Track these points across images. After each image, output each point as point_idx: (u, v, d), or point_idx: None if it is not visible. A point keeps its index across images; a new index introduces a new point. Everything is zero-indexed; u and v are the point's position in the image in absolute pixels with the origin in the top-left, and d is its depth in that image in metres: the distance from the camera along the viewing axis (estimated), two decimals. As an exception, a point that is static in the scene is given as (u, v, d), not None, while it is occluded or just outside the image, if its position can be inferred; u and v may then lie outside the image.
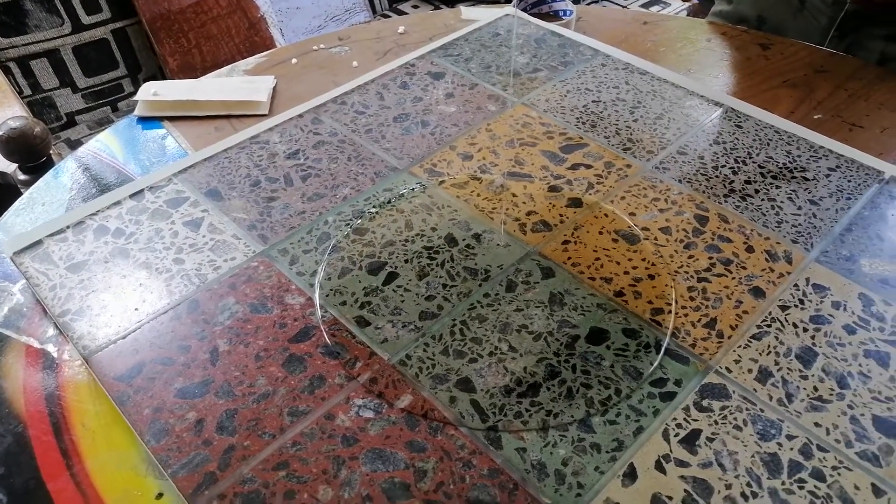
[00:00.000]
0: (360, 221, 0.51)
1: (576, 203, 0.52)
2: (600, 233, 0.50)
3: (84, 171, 0.58)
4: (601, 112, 0.62)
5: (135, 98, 0.66)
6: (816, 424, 0.38)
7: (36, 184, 0.58)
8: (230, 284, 0.47)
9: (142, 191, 0.54)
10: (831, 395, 0.40)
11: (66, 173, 0.58)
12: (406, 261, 0.48)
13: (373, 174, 0.55)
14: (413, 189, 0.53)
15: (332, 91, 0.65)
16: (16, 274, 0.48)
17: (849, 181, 0.54)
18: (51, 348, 0.44)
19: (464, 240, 0.49)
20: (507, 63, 0.68)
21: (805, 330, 0.43)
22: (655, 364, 0.41)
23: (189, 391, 0.40)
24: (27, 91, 1.16)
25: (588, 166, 0.56)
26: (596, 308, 0.45)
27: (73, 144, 1.18)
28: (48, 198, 0.55)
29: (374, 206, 0.52)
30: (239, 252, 0.49)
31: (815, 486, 0.36)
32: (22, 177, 0.86)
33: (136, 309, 0.45)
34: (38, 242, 0.50)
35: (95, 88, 1.23)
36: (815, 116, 0.63)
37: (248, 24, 1.31)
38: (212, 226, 0.51)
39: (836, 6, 0.76)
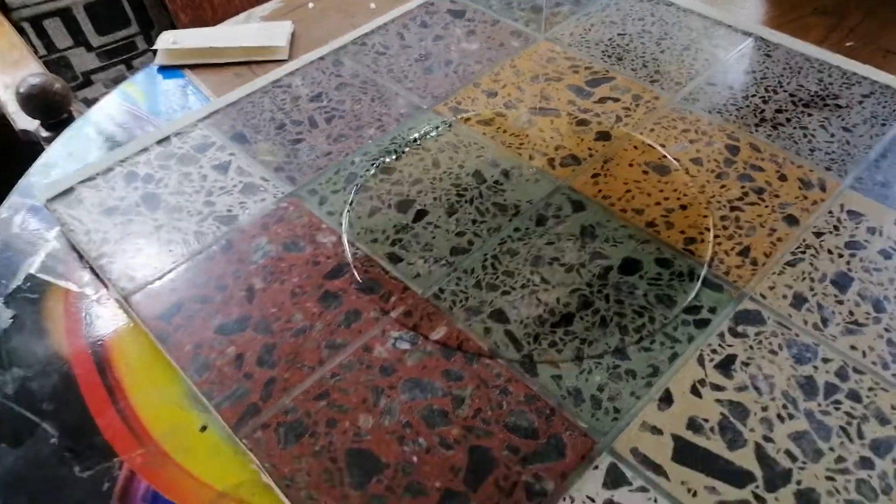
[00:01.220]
0: (386, 160, 0.51)
1: (604, 136, 0.52)
2: (630, 165, 0.49)
3: (109, 120, 0.58)
4: (627, 45, 0.60)
5: (154, 47, 0.65)
6: (853, 347, 0.38)
7: (62, 133, 0.58)
8: (262, 225, 0.47)
9: (168, 137, 0.54)
10: (867, 318, 0.40)
11: (91, 124, 0.58)
12: (435, 198, 0.48)
13: (397, 114, 0.55)
14: (438, 128, 0.53)
15: (352, 32, 0.64)
16: (50, 220, 0.49)
17: (883, 107, 0.53)
18: (89, 291, 0.45)
19: (492, 176, 0.49)
20: (529, -1, 0.67)
21: (840, 256, 0.43)
22: (693, 294, 0.41)
23: (228, 327, 0.41)
24: (42, 51, 1.16)
25: (615, 99, 0.55)
26: (628, 239, 0.44)
27: (91, 104, 1.18)
28: (75, 148, 0.56)
29: (399, 146, 0.52)
30: (268, 194, 0.49)
31: (852, 407, 0.36)
32: (45, 134, 0.86)
33: (170, 250, 0.46)
34: (70, 190, 0.50)
35: (109, 47, 1.22)
36: (847, 44, 0.61)
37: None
38: (240, 168, 0.51)
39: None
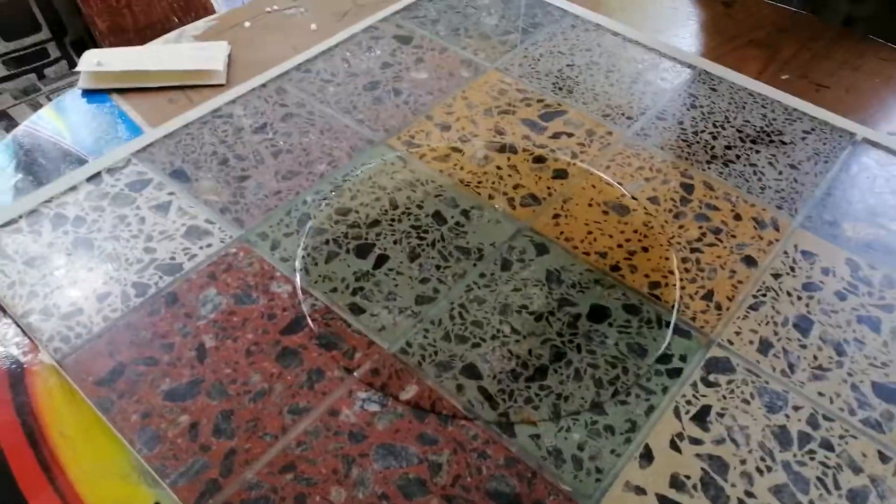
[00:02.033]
0: (341, 200, 0.48)
1: (561, 174, 0.51)
2: (589, 205, 0.49)
3: (28, 152, 0.53)
4: (576, 77, 0.60)
5: (76, 69, 0.60)
6: (820, 394, 0.39)
7: (-28, 167, 0.52)
8: (209, 274, 0.44)
9: (99, 174, 0.50)
10: (830, 362, 0.41)
11: (8, 156, 0.52)
12: (395, 241, 0.46)
13: (348, 148, 0.52)
14: (392, 164, 0.51)
15: (294, 58, 0.61)
16: (-37, 271, 0.44)
17: (824, 144, 0.55)
18: (15, 352, 0.41)
19: (452, 217, 0.48)
20: (476, 25, 0.65)
21: (799, 298, 0.44)
22: (665, 343, 0.41)
23: (178, 393, 0.38)
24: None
25: (570, 134, 0.54)
26: (594, 284, 0.44)
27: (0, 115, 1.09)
28: (-11, 183, 0.50)
29: (353, 184, 0.49)
30: (215, 238, 0.46)
31: (825, 457, 0.36)
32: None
33: (108, 304, 0.42)
34: (-14, 235, 0.45)
35: (17, 54, 1.13)
36: (783, 77, 0.63)
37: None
38: (181, 210, 0.47)
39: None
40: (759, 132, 0.55)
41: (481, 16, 0.67)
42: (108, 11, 1.18)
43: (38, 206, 0.47)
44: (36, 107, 1.12)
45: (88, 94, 0.59)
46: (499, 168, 0.51)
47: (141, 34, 1.25)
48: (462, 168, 0.51)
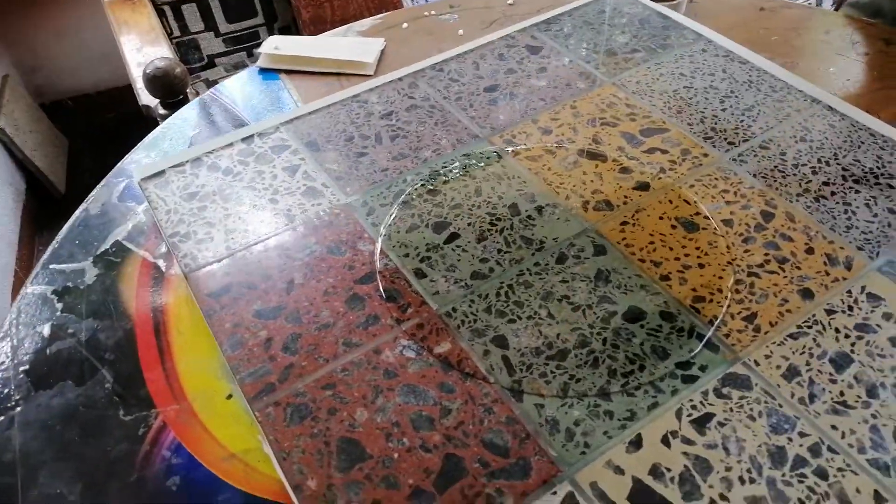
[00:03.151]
0: (434, 182, 0.55)
1: (643, 186, 0.54)
2: (660, 218, 0.51)
3: (207, 113, 0.66)
4: (690, 98, 0.62)
5: (258, 51, 0.73)
6: (833, 427, 0.39)
7: (165, 121, 0.66)
8: (314, 227, 0.53)
9: (252, 136, 0.61)
10: (857, 401, 0.40)
11: (192, 113, 0.66)
12: (469, 224, 0.52)
13: (455, 140, 0.59)
14: (488, 157, 0.57)
15: (433, 57, 0.69)
16: (141, 196, 0.57)
17: (939, 193, 0.52)
18: (161, 263, 0.52)
19: (526, 210, 0.53)
20: (606, 42, 0.69)
21: (847, 336, 0.43)
22: (694, 353, 0.43)
23: (264, 313, 0.47)
24: (176, 32, 1.29)
25: (664, 151, 0.57)
26: (639, 288, 0.47)
27: (211, 84, 1.30)
28: (175, 133, 0.64)
29: (449, 170, 0.56)
30: (325, 199, 0.55)
31: (816, 483, 0.37)
32: (162, 111, 0.97)
33: (232, 238, 0.52)
34: (162, 173, 0.58)
35: (235, 34, 1.34)
36: (926, 122, 0.60)
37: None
38: (306, 173, 0.57)
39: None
40: (866, 172, 0.54)
41: (614, 33, 0.70)
42: (312, 4, 1.35)
43: (201, 156, 0.59)
44: (243, 82, 1.32)
45: (264, 72, 0.72)
46: (584, 173, 0.55)
47: (337, 27, 1.42)
48: (549, 169, 0.56)
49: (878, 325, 0.44)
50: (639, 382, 0.42)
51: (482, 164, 0.57)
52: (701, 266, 0.48)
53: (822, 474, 0.37)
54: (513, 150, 0.58)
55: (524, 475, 0.38)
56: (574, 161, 0.56)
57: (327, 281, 0.49)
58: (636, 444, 0.39)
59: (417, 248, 0.50)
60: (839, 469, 0.37)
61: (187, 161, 0.59)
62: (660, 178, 0.54)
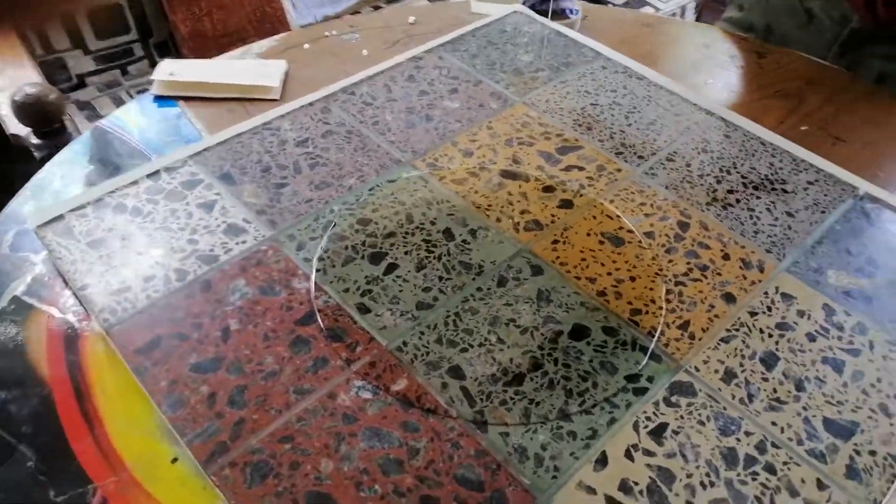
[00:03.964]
0: (363, 211, 0.54)
1: (567, 204, 0.56)
2: (588, 234, 0.53)
3: (100, 147, 0.61)
4: (598, 115, 0.65)
5: (151, 77, 0.68)
6: (773, 423, 0.42)
7: (54, 157, 0.61)
8: (241, 267, 0.50)
9: (158, 171, 0.57)
10: (788, 396, 0.44)
11: (84, 148, 0.60)
12: (406, 252, 0.51)
13: (377, 165, 0.58)
14: (414, 183, 0.57)
15: (342, 81, 0.67)
16: (37, 244, 0.52)
17: (825, 195, 0.58)
18: (71, 318, 0.48)
19: (460, 234, 0.53)
20: (512, 61, 0.71)
21: (770, 336, 0.47)
22: (641, 366, 0.45)
23: (203, 366, 0.44)
24: (40, 51, 1.18)
25: (581, 168, 0.59)
26: (579, 306, 0.48)
27: (83, 105, 1.20)
28: (66, 172, 0.58)
29: (377, 198, 0.55)
30: (249, 236, 0.52)
31: (767, 479, 0.40)
32: (35, 140, 0.88)
33: (152, 286, 0.48)
34: (60, 217, 0.53)
35: (107, 51, 1.24)
36: (802, 128, 0.66)
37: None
38: (224, 209, 0.54)
39: (842, 23, 0.78)
40: (763, 179, 0.59)
41: (518, 53, 0.72)
42: (191, 19, 1.29)
43: (104, 196, 0.55)
44: (116, 99, 1.23)
45: (159, 99, 0.67)
46: (510, 194, 0.56)
47: (218, 42, 1.35)
48: (476, 192, 0.56)
49: (794, 323, 0.48)
50: (594, 400, 0.43)
51: (409, 189, 0.56)
52: (632, 279, 0.50)
53: (770, 469, 0.40)
54: (438, 175, 0.58)
55: (500, 507, 0.38)
56: (498, 182, 0.57)
57: (265, 325, 0.46)
58: (602, 461, 0.40)
59: (357, 282, 0.49)
60: (784, 462, 0.41)
61: (88, 203, 0.54)
62: (581, 195, 0.56)
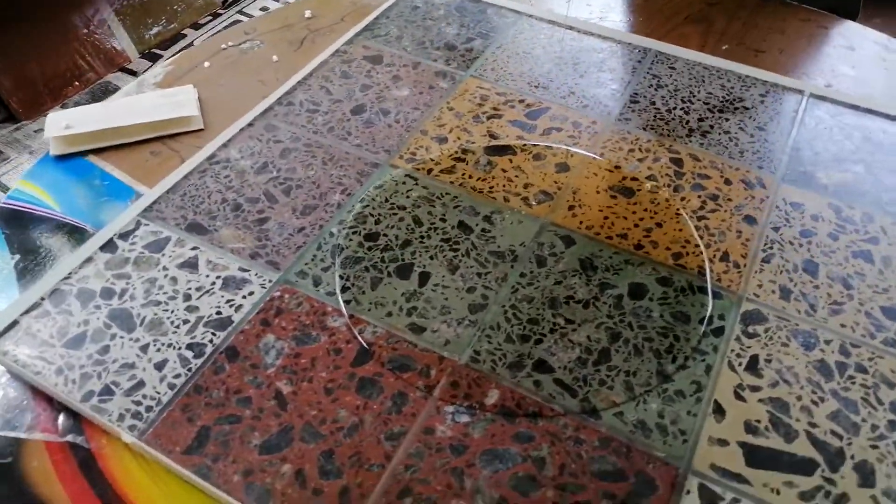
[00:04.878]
0: (366, 226, 0.49)
1: (563, 167, 0.54)
2: (598, 192, 0.52)
3: (17, 230, 0.51)
4: (548, 73, 0.63)
5: (44, 136, 0.57)
6: (842, 325, 0.44)
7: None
8: (261, 321, 0.44)
9: (111, 240, 0.48)
10: (842, 296, 0.46)
11: None
12: (431, 257, 0.47)
13: (356, 174, 0.53)
14: (404, 183, 0.52)
15: (273, 92, 0.61)
16: (-3, 365, 0.42)
17: (780, 104, 0.60)
18: (76, 438, 0.40)
19: (476, 224, 0.50)
20: (439, 36, 0.67)
21: (801, 245, 0.49)
22: (709, 307, 0.44)
23: (272, 444, 0.38)
24: None
25: (558, 129, 0.57)
26: (625, 265, 0.47)
27: None
28: (-9, 270, 0.48)
29: (373, 209, 0.50)
30: (254, 285, 0.46)
31: (863, 379, 0.41)
32: None
33: (169, 371, 0.41)
34: (14, 324, 0.44)
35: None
36: (724, 47, 0.69)
37: (84, 22, 1.17)
38: (210, 262, 0.47)
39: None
40: (722, 102, 0.60)
41: (441, 26, 0.69)
42: (12, 67, 1.12)
43: (59, 285, 0.46)
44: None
45: (62, 159, 0.57)
46: (504, 171, 0.54)
47: (50, 85, 1.19)
48: (470, 176, 0.53)
49: (813, 228, 0.50)
50: (685, 353, 0.42)
51: (401, 191, 0.52)
52: (659, 225, 0.50)
53: (861, 369, 0.42)
54: (424, 168, 0.54)
55: (652, 489, 0.37)
56: (487, 161, 0.54)
57: (320, 376, 0.41)
58: (718, 410, 0.40)
59: (395, 302, 0.45)
60: (868, 359, 0.42)
61: (42, 298, 0.45)
62: (572, 155, 0.55)
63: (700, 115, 0.59)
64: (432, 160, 0.54)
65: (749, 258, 0.48)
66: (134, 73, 1.48)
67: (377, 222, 0.50)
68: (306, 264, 0.47)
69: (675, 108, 0.60)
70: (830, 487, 0.37)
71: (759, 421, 0.39)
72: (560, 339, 0.43)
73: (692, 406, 0.40)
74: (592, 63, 0.64)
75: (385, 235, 0.49)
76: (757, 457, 0.38)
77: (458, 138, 0.56)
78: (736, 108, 0.60)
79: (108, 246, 0.48)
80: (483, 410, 0.40)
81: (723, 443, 0.38)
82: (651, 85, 0.62)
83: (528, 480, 0.37)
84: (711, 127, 0.58)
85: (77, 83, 1.26)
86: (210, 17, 1.76)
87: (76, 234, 0.50)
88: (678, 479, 0.37)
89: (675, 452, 0.38)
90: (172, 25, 1.57)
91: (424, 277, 0.46)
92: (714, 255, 0.48)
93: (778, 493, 0.36)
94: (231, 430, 0.39)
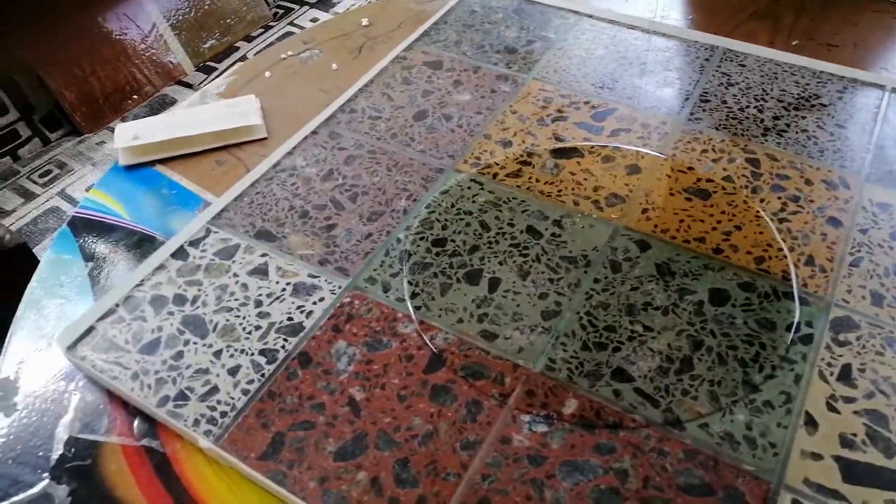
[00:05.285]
0: (433, 232, 0.49)
1: (634, 169, 0.52)
2: (671, 195, 0.50)
3: (91, 238, 0.51)
4: (612, 73, 0.62)
5: (114, 146, 0.59)
6: (940, 333, 0.41)
7: (37, 270, 0.51)
8: (333, 327, 0.43)
9: (182, 248, 0.49)
10: (940, 302, 0.43)
11: (70, 245, 0.51)
12: (500, 263, 0.46)
13: (421, 180, 0.53)
14: (469, 188, 0.52)
15: (332, 99, 0.61)
16: (68, 372, 0.43)
17: (860, 99, 0.58)
18: (151, 443, 0.40)
19: (546, 229, 0.48)
20: (499, 40, 0.66)
21: (891, 248, 0.46)
22: (797, 314, 0.42)
23: (347, 451, 0.38)
24: None
25: (626, 130, 0.56)
26: (704, 269, 0.45)
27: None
28: (64, 279, 0.49)
29: (439, 214, 0.50)
30: (324, 291, 0.45)
31: (969, 390, 0.39)
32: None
33: (243, 377, 0.41)
34: (91, 329, 0.44)
35: (-15, 140, 1.09)
36: (794, 43, 0.66)
37: (141, 37, 1.20)
38: (280, 269, 0.47)
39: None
40: (798, 99, 0.58)
41: (500, 30, 0.68)
42: (75, 83, 1.15)
43: (132, 291, 0.46)
44: (20, 191, 1.09)
45: (130, 169, 0.58)
46: (572, 174, 0.52)
47: (110, 100, 1.22)
48: (537, 180, 0.52)
49: (905, 229, 0.47)
50: (772, 362, 0.40)
51: (467, 196, 0.51)
52: (738, 228, 0.48)
53: (966, 379, 0.39)
54: (489, 173, 0.53)
55: (741, 503, 0.35)
56: (554, 165, 0.53)
57: (393, 383, 0.41)
58: (811, 423, 0.38)
59: (466, 308, 0.44)
60: (974, 368, 0.40)
61: (118, 305, 0.45)
62: (643, 157, 0.53)
63: (775, 113, 0.57)
64: (497, 164, 0.53)
65: (836, 262, 0.46)
66: (190, 86, 1.52)
67: (444, 228, 0.49)
68: (375, 270, 0.47)
69: (748, 107, 0.57)
70: (937, 506, 0.34)
71: (855, 434, 0.37)
72: (639, 348, 0.41)
73: (782, 418, 0.38)
74: (658, 62, 0.63)
75: (452, 241, 0.48)
76: (854, 472, 0.36)
77: (523, 142, 0.55)
78: (812, 106, 0.57)
79: (180, 253, 0.48)
80: (561, 420, 0.38)
81: (816, 457, 0.36)
82: (721, 83, 0.60)
83: (611, 493, 0.35)
84: (788, 125, 0.56)
85: (136, 97, 1.30)
86: (262, 30, 1.79)
87: (146, 243, 0.51)
88: (770, 494, 0.35)
89: (766, 466, 0.36)
90: (226, 38, 1.60)
91: (494, 283, 0.45)
92: (798, 260, 0.46)
93: (881, 510, 0.34)
94: (305, 437, 0.38)
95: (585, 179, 0.52)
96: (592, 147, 0.54)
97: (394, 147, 0.56)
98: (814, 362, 0.40)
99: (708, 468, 0.36)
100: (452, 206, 0.51)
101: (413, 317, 0.44)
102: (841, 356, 0.41)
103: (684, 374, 0.40)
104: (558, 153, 0.54)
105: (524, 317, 0.43)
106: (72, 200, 1.13)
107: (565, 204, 0.50)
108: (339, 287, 0.46)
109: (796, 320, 0.42)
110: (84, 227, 0.53)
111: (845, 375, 0.40)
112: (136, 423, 0.41)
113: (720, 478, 0.36)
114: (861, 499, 0.35)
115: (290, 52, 0.70)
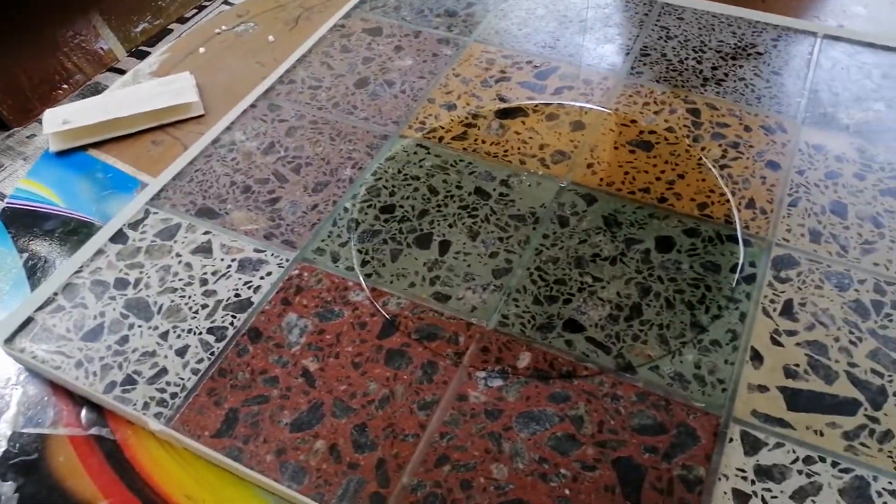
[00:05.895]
0: (380, 199, 0.48)
1: (578, 126, 0.53)
2: (616, 148, 0.51)
3: (24, 229, 0.49)
4: (553, 32, 0.62)
5: (43, 132, 0.56)
6: (875, 264, 0.43)
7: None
8: (282, 300, 0.43)
9: (120, 231, 0.47)
10: (873, 235, 0.44)
11: (2, 238, 0.49)
12: (450, 225, 0.46)
13: (365, 148, 0.52)
14: (415, 153, 0.51)
15: (270, 71, 0.59)
16: (9, 367, 0.41)
17: (794, 47, 0.59)
18: (100, 431, 0.39)
19: (494, 189, 0.48)
20: (438, 3, 0.66)
21: (826, 187, 0.47)
22: (741, 256, 0.43)
23: (303, 422, 0.37)
24: None
25: (570, 87, 0.56)
26: (650, 219, 0.46)
27: None
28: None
29: (386, 181, 0.49)
30: (271, 265, 0.45)
31: (904, 317, 0.40)
32: None
33: (192, 357, 0.40)
34: (30, 321, 0.43)
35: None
36: (729, -6, 0.67)
37: (68, 24, 1.15)
38: (224, 246, 0.46)
39: None
40: (735, 49, 0.59)
41: (437, -7, 0.67)
42: (1, 77, 1.10)
43: (71, 279, 0.45)
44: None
45: (62, 154, 0.56)
46: (517, 133, 0.52)
47: (39, 90, 1.18)
48: (483, 141, 0.52)
49: (839, 169, 0.49)
50: (718, 303, 0.41)
51: (414, 161, 0.51)
52: (681, 176, 0.48)
53: (901, 307, 0.41)
54: (434, 137, 0.52)
55: (694, 440, 0.36)
56: (499, 125, 0.53)
57: (347, 351, 0.40)
58: (757, 357, 0.39)
59: (418, 272, 0.44)
60: (908, 296, 0.41)
61: (55, 293, 0.44)
62: (586, 112, 0.53)
63: (713, 63, 0.57)
64: (442, 128, 0.53)
65: (776, 203, 0.47)
66: (123, 72, 1.46)
67: (391, 194, 0.48)
68: (323, 241, 0.46)
69: (687, 59, 0.58)
70: (874, 426, 0.36)
71: (797, 365, 0.38)
72: (589, 298, 0.42)
73: (729, 355, 0.39)
74: (598, 19, 0.63)
75: (401, 207, 0.48)
76: (798, 400, 0.37)
77: (467, 104, 0.55)
78: (749, 55, 0.58)
79: (119, 237, 0.47)
80: (516, 374, 0.39)
81: (763, 389, 0.37)
82: (660, 37, 0.60)
83: (568, 440, 0.36)
84: (726, 75, 0.56)
85: (66, 86, 1.25)
86: (195, 10, 1.73)
87: (83, 229, 0.49)
88: (720, 427, 0.36)
89: (715, 402, 0.37)
90: (158, 21, 1.55)
91: (445, 246, 0.45)
92: (740, 203, 0.47)
93: (822, 434, 0.35)
94: (260, 411, 0.38)
95: (531, 138, 0.52)
96: (536, 106, 0.54)
97: (336, 116, 0.55)
98: (758, 300, 0.41)
99: (660, 408, 0.37)
100: (399, 171, 0.50)
101: (364, 285, 0.43)
102: (783, 292, 0.42)
103: (634, 321, 0.41)
104: (503, 113, 0.54)
105: (476, 276, 0.43)
106: (4, 198, 1.08)
107: (512, 163, 0.50)
108: (287, 260, 0.45)
109: (740, 261, 0.43)
110: (16, 217, 0.51)
111: (787, 310, 0.41)
112: (83, 412, 0.39)
113: (672, 416, 0.37)
114: (805, 424, 0.36)
115: (224, 27, 0.68)
